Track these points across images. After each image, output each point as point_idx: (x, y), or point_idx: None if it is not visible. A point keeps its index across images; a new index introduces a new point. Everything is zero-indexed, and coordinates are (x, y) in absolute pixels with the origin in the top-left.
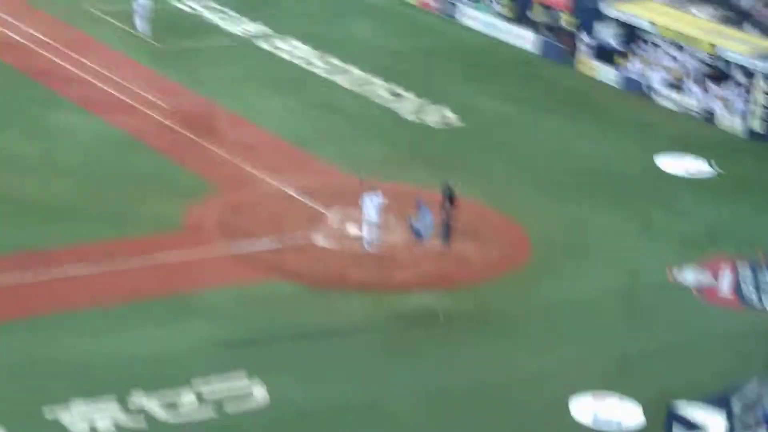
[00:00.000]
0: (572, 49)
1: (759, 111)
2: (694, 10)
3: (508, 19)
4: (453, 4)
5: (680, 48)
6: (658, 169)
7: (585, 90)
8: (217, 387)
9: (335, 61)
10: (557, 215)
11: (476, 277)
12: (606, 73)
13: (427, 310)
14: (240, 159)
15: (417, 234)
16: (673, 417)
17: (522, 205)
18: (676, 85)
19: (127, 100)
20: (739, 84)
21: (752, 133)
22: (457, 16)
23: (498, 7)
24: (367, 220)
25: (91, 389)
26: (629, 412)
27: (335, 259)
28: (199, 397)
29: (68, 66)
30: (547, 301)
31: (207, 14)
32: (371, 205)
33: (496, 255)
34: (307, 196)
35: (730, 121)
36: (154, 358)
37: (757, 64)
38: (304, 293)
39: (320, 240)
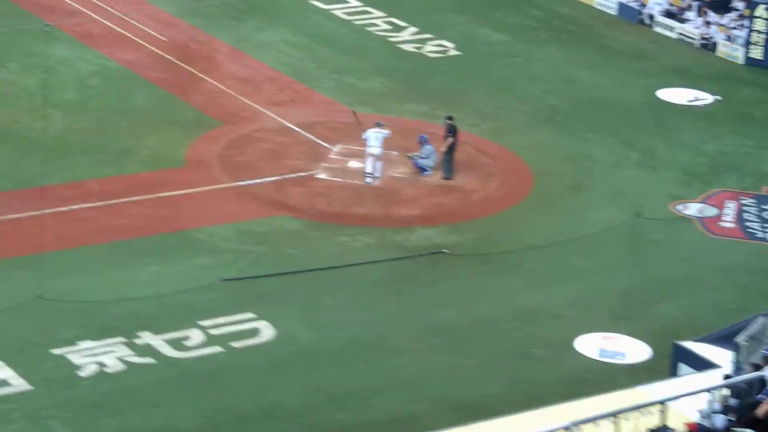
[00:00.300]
0: None
1: (760, 40)
2: None
3: None
4: None
5: None
6: (658, 99)
7: (582, 18)
8: (223, 324)
9: None
10: (558, 148)
11: (478, 211)
12: (604, 0)
13: (429, 244)
14: (240, 93)
15: (419, 168)
16: (680, 352)
17: (522, 137)
18: (676, 14)
19: (127, 34)
20: (739, 13)
21: (753, 62)
22: None
23: None
24: (370, 154)
25: (99, 330)
26: (635, 346)
27: (338, 194)
28: (206, 334)
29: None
30: (550, 236)
31: None
32: (375, 138)
33: (498, 189)
34: (308, 130)
35: (732, 50)
36: (159, 297)
37: None
38: (307, 228)
39: (322, 174)
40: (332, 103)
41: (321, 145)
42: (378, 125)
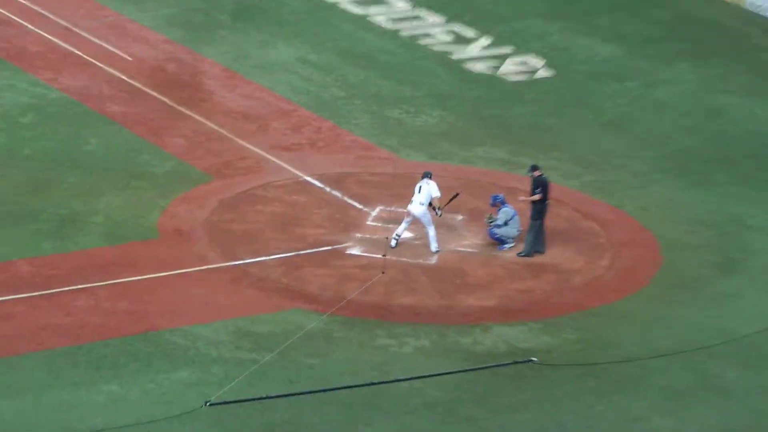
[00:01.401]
0: None
1: None
2: None
3: None
4: None
5: None
6: None
7: (729, 23)
8: None
9: None
10: (695, 208)
11: (581, 300)
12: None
13: (511, 350)
14: (238, 134)
15: (495, 239)
16: None
17: (643, 194)
18: None
19: (76, 51)
20: None
21: None
22: None
23: None
24: (408, 212)
25: None
26: None
27: (377, 277)
28: None
29: None
30: (686, 338)
31: None
32: (417, 191)
33: (609, 268)
34: (334, 186)
35: None
36: (119, 430)
37: None
38: (333, 327)
39: (355, 249)
40: (369, 147)
41: (353, 206)
42: (426, 176)
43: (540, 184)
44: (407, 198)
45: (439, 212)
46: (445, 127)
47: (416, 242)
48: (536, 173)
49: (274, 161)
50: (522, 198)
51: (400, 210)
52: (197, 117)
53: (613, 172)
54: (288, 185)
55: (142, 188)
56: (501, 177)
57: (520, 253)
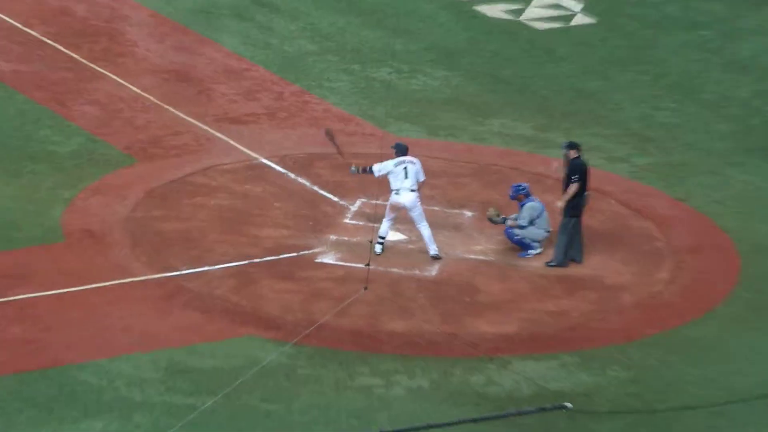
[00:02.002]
0: None
1: None
2: None
3: None
4: None
5: None
6: None
7: None
8: None
9: None
10: None
11: (632, 326)
12: None
13: (537, 392)
14: (171, 100)
15: (516, 243)
16: None
17: (715, 182)
18: None
19: None
20: None
21: None
22: None
23: None
24: (394, 205)
25: None
26: None
27: (359, 294)
28: None
29: None
30: None
31: None
32: (401, 174)
33: (671, 283)
34: (300, 171)
35: None
36: None
37: None
38: (299, 360)
39: (328, 256)
40: (348, 120)
41: (326, 199)
42: (400, 151)
43: (577, 170)
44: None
45: (353, 170)
46: (449, 93)
47: (410, 246)
48: (572, 154)
49: (219, 138)
50: (559, 204)
51: (386, 203)
52: (115, 77)
53: (677, 152)
54: (239, 170)
55: (41, 174)
56: (524, 160)
57: (550, 262)
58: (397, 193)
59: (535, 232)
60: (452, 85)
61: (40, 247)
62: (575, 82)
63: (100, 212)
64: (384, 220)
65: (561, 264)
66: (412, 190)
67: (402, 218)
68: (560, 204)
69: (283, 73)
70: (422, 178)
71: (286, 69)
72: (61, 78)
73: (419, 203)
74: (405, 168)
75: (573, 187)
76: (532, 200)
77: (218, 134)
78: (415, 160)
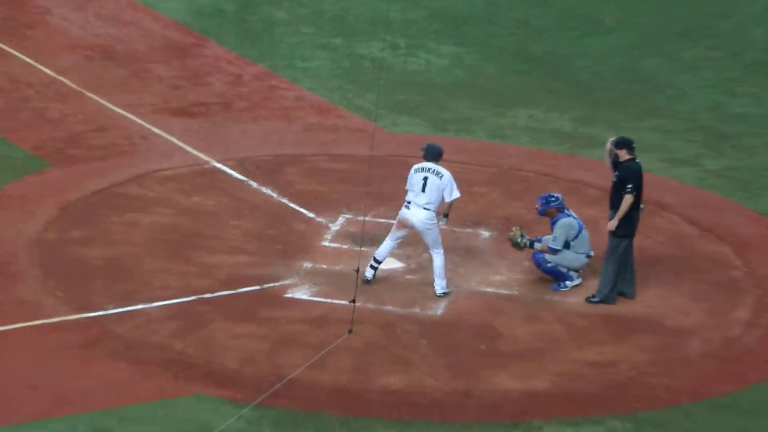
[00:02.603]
0: None
1: None
2: None
3: None
4: None
5: None
6: None
7: None
8: None
9: None
10: None
11: (701, 384)
12: None
13: None
14: (93, 85)
15: (548, 272)
16: None
17: None
18: None
19: None
20: None
21: None
22: None
23: None
24: (402, 222)
25: None
26: None
27: (340, 340)
28: None
29: None
30: None
31: None
32: (418, 185)
33: (751, 325)
34: (266, 179)
35: None
36: None
37: None
38: (260, 430)
39: (301, 290)
40: (328, 110)
41: (299, 215)
42: (431, 155)
43: (631, 177)
44: (396, 199)
45: (444, 220)
46: (460, 75)
47: (410, 277)
48: (623, 155)
49: (158, 135)
50: (612, 224)
51: (384, 220)
52: (20, 56)
53: (760, 153)
54: (184, 178)
55: None
56: (559, 163)
57: (593, 297)
58: (407, 207)
59: (573, 258)
60: (464, 64)
61: None
62: (626, 61)
63: (1, 233)
64: (386, 239)
65: (607, 300)
66: (426, 209)
67: (405, 241)
68: (613, 224)
69: (243, 49)
70: (451, 197)
71: (246, 44)
72: None
73: (436, 227)
74: (425, 178)
75: (627, 200)
76: (567, 215)
77: (156, 130)
78: (443, 171)
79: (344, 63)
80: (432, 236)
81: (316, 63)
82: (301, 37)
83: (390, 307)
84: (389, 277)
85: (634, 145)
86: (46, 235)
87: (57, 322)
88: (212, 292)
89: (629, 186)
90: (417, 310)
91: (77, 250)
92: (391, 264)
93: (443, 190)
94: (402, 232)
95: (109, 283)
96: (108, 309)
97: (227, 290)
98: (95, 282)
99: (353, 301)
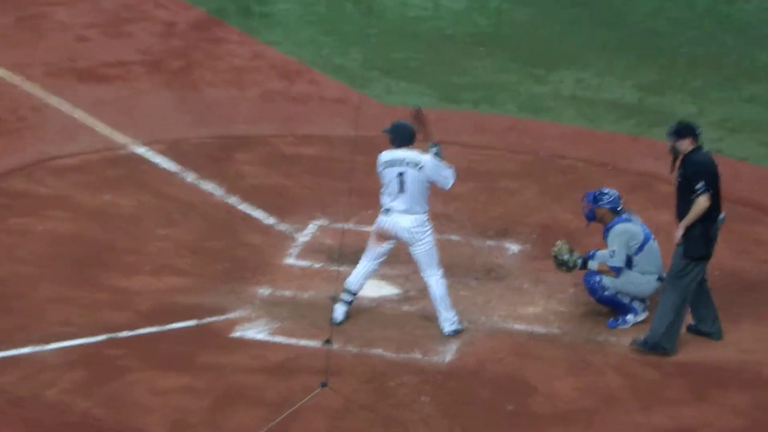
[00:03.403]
0: None
1: None
2: None
3: None
4: None
5: None
6: None
7: None
8: None
9: None
10: None
11: None
12: None
13: None
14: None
15: (609, 303)
16: None
17: None
18: None
19: None
20: None
21: None
22: None
23: None
24: (380, 232)
25: None
26: None
27: (308, 398)
28: None
29: None
30: None
31: None
32: (395, 177)
33: None
34: (206, 170)
35: None
36: None
37: None
38: None
39: (255, 327)
40: (295, 73)
41: (253, 220)
42: (402, 138)
43: (702, 172)
44: (376, 195)
45: (435, 148)
46: (483, 24)
47: (406, 308)
48: (686, 145)
49: (57, 107)
50: (678, 234)
51: (364, 229)
52: None
53: None
54: (92, 167)
55: None
56: (620, 149)
57: (641, 342)
58: (385, 213)
59: (639, 281)
60: (487, 8)
61: None
62: (714, 3)
63: None
64: (362, 259)
65: (661, 346)
66: (408, 211)
67: (396, 256)
68: (679, 233)
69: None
70: (448, 184)
71: None
72: None
73: (428, 236)
74: (401, 174)
75: (701, 204)
76: (626, 220)
77: (54, 100)
78: (421, 158)
79: (319, 7)
80: (424, 250)
81: (280, 6)
82: None
83: (380, 351)
84: (378, 309)
85: (698, 130)
86: None
87: None
88: (130, 330)
89: (700, 184)
90: (417, 355)
91: None
92: (380, 290)
93: (429, 182)
94: (383, 248)
95: None
96: None
97: (151, 327)
98: None
99: (328, 341)
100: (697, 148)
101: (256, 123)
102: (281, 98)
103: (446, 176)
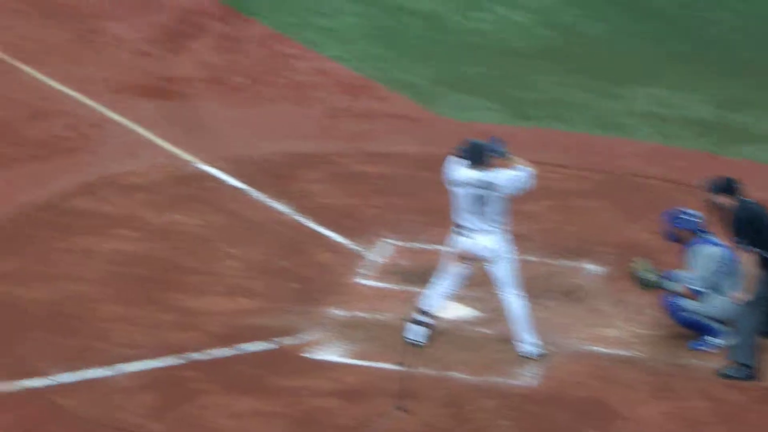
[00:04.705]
0: None
1: None
2: None
3: None
4: None
5: None
6: None
7: None
8: None
9: None
10: None
11: None
12: None
13: None
14: (24, 53)
15: (691, 326)
16: None
17: None
18: None
19: None
20: None
21: None
22: None
23: None
24: (465, 254)
25: None
26: None
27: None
28: None
29: None
30: None
31: None
32: (470, 197)
33: None
34: (274, 188)
35: None
36: None
37: None
38: None
39: (328, 349)
40: (358, 85)
41: (323, 238)
42: (494, 149)
43: (742, 230)
44: (446, 213)
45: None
46: (552, 38)
47: (485, 331)
48: (722, 199)
49: (119, 123)
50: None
51: (435, 247)
52: None
53: None
54: (158, 185)
55: None
56: (699, 167)
57: (728, 371)
58: (463, 234)
59: (719, 304)
60: (556, 21)
61: None
62: None
63: None
64: (437, 279)
65: (742, 371)
66: (489, 231)
67: (473, 277)
68: (738, 296)
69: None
70: (527, 183)
71: None
72: None
73: (509, 254)
74: (477, 194)
75: (750, 262)
76: (709, 242)
77: (115, 116)
78: (496, 177)
79: (381, 21)
80: (505, 268)
81: (343, 21)
82: None
83: (457, 374)
84: (455, 330)
85: (737, 185)
86: None
87: None
88: (200, 351)
89: (744, 243)
90: (495, 378)
91: (5, 290)
92: (456, 311)
93: (508, 197)
94: (462, 269)
95: (50, 338)
96: (51, 375)
97: (221, 348)
98: (31, 336)
99: (404, 364)
100: (742, 202)
101: (321, 140)
102: (346, 114)
103: (523, 180)
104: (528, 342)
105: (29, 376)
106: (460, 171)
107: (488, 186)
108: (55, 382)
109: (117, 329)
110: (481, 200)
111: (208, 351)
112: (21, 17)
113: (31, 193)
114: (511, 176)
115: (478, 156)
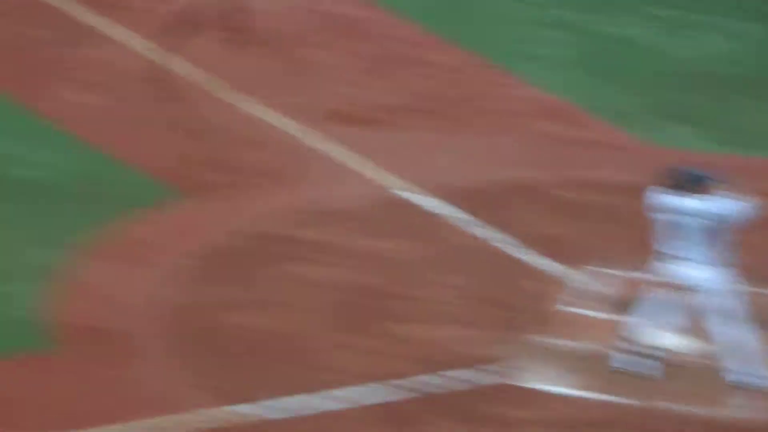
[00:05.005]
0: None
1: None
2: None
3: None
4: None
5: None
6: None
7: None
8: None
9: None
10: None
11: None
12: None
13: None
14: (239, 83)
15: None
16: None
17: None
18: None
19: None
20: None
21: None
22: None
23: None
24: (712, 298)
25: None
26: None
27: None
28: None
29: None
30: None
31: None
32: (698, 231)
33: None
34: (481, 214)
35: None
36: None
37: None
38: None
39: (549, 376)
40: (559, 109)
41: (534, 267)
42: (678, 181)
43: None
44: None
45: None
46: (762, 65)
47: (696, 359)
48: None
49: (327, 151)
50: None
51: (646, 276)
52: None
53: None
54: (366, 212)
55: (5, 219)
56: None
57: None
58: (675, 263)
59: None
60: (757, 49)
61: (13, 362)
62: None
63: (115, 295)
64: (646, 308)
65: None
66: (707, 261)
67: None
68: None
69: (441, 25)
70: (741, 222)
71: (445, 21)
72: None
73: (727, 286)
74: (693, 227)
75: None
76: None
77: (326, 145)
78: (712, 208)
79: (584, 46)
80: (719, 299)
81: (547, 48)
82: (525, 9)
83: (667, 404)
84: (666, 360)
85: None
86: (174, 296)
87: (201, 421)
88: (412, 379)
89: None
90: (704, 409)
91: (218, 317)
92: (664, 340)
93: (729, 223)
94: (672, 300)
95: (273, 366)
96: (273, 403)
97: (432, 373)
98: (252, 365)
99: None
100: None
101: (527, 167)
102: (552, 142)
103: (744, 211)
104: (742, 372)
105: (244, 399)
106: (675, 199)
107: (705, 215)
108: (287, 416)
109: (337, 356)
110: (696, 230)
111: (420, 378)
112: (215, 41)
113: (243, 221)
114: (730, 206)
115: (694, 184)
